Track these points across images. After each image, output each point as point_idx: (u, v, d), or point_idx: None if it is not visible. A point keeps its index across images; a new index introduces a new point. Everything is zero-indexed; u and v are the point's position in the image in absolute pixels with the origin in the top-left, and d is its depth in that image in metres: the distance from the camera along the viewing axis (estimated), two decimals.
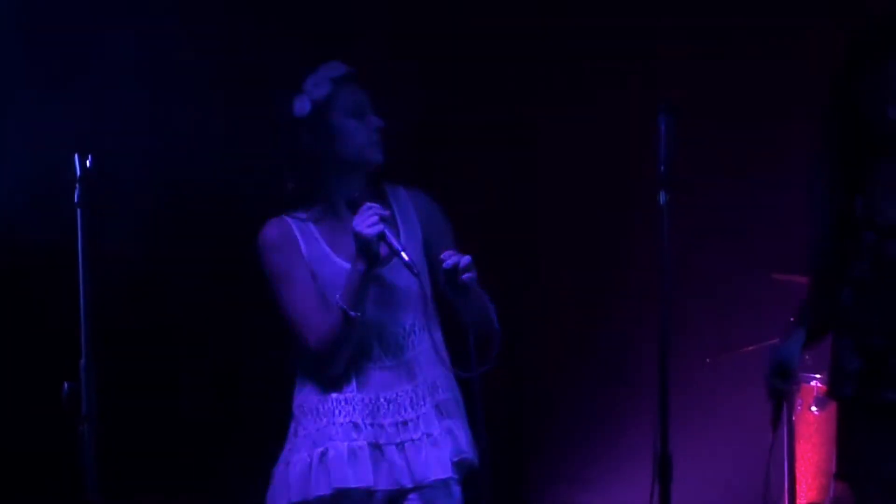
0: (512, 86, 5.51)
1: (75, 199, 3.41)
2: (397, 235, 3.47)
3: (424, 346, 3.55)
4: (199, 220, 4.97)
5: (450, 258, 3.39)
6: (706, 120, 5.30)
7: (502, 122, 5.50)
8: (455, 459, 3.55)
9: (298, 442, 3.54)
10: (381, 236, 3.38)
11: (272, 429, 4.85)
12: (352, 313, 3.40)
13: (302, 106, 3.55)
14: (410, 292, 3.51)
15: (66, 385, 3.35)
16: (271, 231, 3.54)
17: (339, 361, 3.47)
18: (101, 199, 3.42)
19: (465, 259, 3.40)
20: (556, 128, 5.57)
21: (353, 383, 3.51)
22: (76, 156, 3.41)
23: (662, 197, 3.25)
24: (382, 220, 3.39)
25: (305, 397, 3.56)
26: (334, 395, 3.51)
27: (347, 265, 3.46)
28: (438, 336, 3.58)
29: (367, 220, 3.38)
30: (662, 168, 3.26)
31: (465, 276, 3.38)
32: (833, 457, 5.03)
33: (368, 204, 3.41)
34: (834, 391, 3.50)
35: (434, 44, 5.41)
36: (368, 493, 3.49)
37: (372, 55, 4.64)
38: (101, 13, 4.86)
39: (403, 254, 3.37)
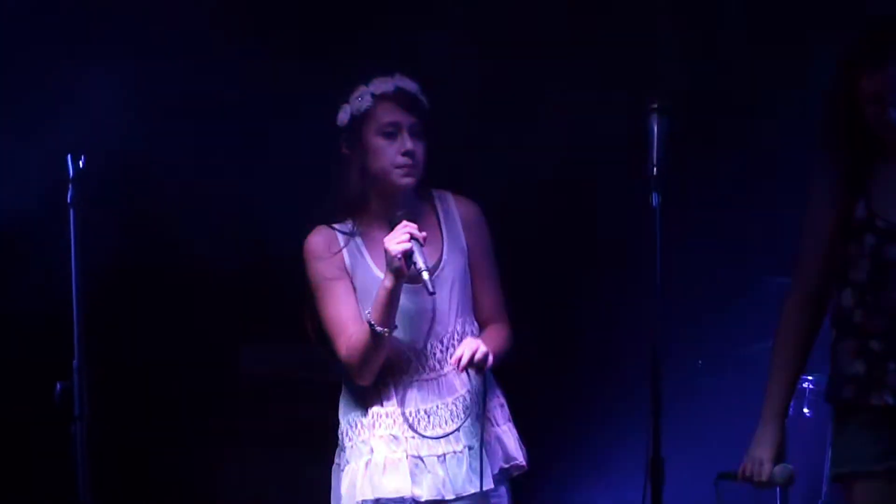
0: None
1: (68, 199, 3.43)
2: (435, 259, 3.53)
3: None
4: (196, 223, 4.93)
5: (459, 361, 3.45)
6: (698, 120, 5.33)
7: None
8: (505, 465, 3.60)
9: (348, 452, 3.59)
10: (408, 255, 3.39)
11: (267, 434, 4.87)
12: (378, 329, 3.42)
13: (343, 116, 3.61)
14: (449, 307, 3.56)
15: (58, 385, 3.37)
16: (316, 239, 3.58)
17: (367, 374, 3.51)
18: (94, 200, 3.44)
19: (480, 354, 3.46)
20: (548, 126, 5.55)
21: (393, 398, 3.55)
22: (69, 156, 3.43)
23: (655, 199, 3.24)
24: (413, 239, 3.40)
25: (350, 408, 3.61)
26: (374, 409, 3.56)
27: (376, 272, 3.51)
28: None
29: (398, 237, 3.40)
30: (655, 170, 3.24)
31: (480, 368, 3.47)
32: (826, 459, 5.06)
33: (405, 222, 3.43)
34: (832, 394, 3.47)
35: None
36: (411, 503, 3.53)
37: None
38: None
39: (425, 274, 3.39)
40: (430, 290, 3.39)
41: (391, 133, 3.54)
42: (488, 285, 3.67)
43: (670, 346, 3.35)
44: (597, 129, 5.36)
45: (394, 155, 3.53)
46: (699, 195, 5.23)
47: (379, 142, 3.54)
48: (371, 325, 3.43)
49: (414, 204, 3.59)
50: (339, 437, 3.62)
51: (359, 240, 3.57)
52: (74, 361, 3.38)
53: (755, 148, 5.40)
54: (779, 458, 3.44)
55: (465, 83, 5.32)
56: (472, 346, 3.46)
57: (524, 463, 3.62)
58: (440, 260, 3.59)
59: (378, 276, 3.50)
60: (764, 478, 3.42)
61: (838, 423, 3.48)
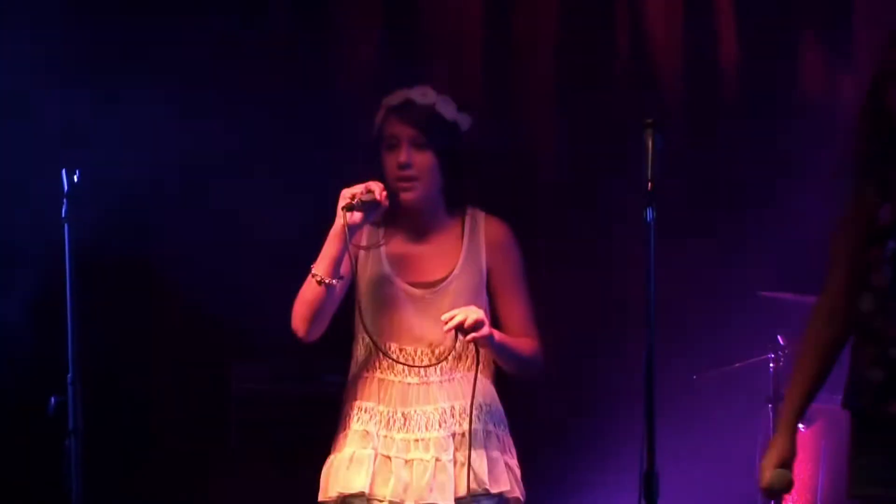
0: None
1: (62, 214, 3.43)
2: (445, 272, 3.57)
3: (458, 374, 3.59)
4: (191, 231, 4.92)
5: (451, 320, 3.43)
6: (695, 136, 5.32)
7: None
8: (479, 489, 3.54)
9: (332, 445, 3.62)
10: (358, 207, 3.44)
11: (260, 446, 4.85)
12: (315, 275, 3.46)
13: (374, 128, 3.64)
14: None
15: (52, 399, 3.36)
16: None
17: (299, 321, 3.53)
18: (89, 213, 3.44)
19: (470, 318, 3.42)
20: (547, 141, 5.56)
21: (377, 395, 3.57)
22: (63, 171, 3.43)
23: (649, 214, 3.20)
24: (365, 202, 3.43)
25: (342, 403, 3.64)
26: (357, 403, 3.58)
27: (390, 274, 3.56)
28: (489, 368, 3.63)
29: (357, 189, 3.45)
30: (650, 185, 3.21)
31: (470, 336, 3.43)
32: (819, 472, 5.05)
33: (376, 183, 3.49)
34: (849, 402, 3.44)
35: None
36: (373, 501, 3.52)
37: None
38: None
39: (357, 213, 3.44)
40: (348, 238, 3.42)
41: (393, 145, 3.56)
42: (516, 305, 3.65)
43: (665, 361, 3.31)
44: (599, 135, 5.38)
45: (393, 168, 3.55)
46: (695, 210, 5.26)
47: (384, 154, 3.58)
48: (311, 270, 3.46)
49: (437, 216, 3.61)
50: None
51: (382, 250, 3.59)
52: (69, 375, 3.37)
53: (753, 161, 5.40)
54: (786, 467, 3.45)
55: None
56: (467, 311, 3.44)
57: (494, 493, 3.56)
58: (450, 273, 3.59)
59: (384, 269, 3.55)
60: (763, 484, 3.42)
61: (858, 437, 3.46)
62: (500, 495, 3.57)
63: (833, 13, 5.46)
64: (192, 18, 4.92)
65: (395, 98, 3.61)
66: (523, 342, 3.62)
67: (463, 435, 3.54)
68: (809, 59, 5.49)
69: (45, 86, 4.64)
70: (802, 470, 5.05)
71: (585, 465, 5.27)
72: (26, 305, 4.57)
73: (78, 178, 3.40)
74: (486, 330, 3.44)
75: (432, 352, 3.56)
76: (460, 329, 3.42)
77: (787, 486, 3.45)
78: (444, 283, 3.57)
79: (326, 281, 3.46)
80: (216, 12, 5.01)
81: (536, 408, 5.41)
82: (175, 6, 4.96)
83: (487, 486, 3.54)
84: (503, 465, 3.58)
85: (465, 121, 3.65)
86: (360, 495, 3.51)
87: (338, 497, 3.54)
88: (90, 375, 3.40)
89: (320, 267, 3.47)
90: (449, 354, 3.56)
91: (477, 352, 3.52)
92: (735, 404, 5.21)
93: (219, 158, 4.77)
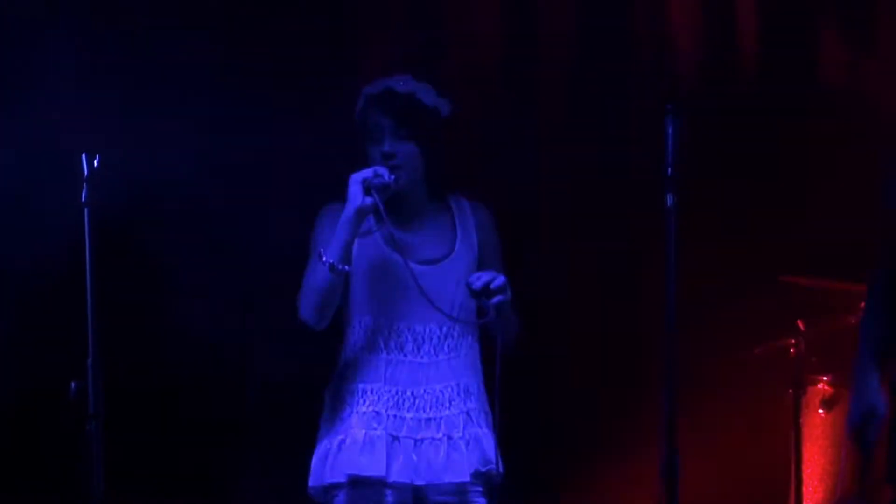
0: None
1: (82, 199, 3.41)
2: (446, 251, 3.60)
3: (462, 352, 3.60)
4: (208, 221, 4.95)
5: (478, 280, 3.47)
6: (713, 120, 5.32)
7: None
8: (482, 469, 3.56)
9: (325, 429, 3.60)
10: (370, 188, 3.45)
11: (279, 430, 4.86)
12: (326, 260, 3.45)
13: (355, 114, 3.65)
14: (453, 299, 3.57)
15: (72, 384, 3.34)
16: (334, 207, 3.59)
17: (307, 306, 3.54)
18: (107, 199, 3.41)
19: (499, 280, 3.47)
20: (559, 127, 5.56)
21: (383, 376, 3.55)
22: (83, 156, 3.41)
23: (669, 199, 3.19)
24: (376, 185, 3.45)
25: (337, 386, 3.61)
26: (362, 386, 3.56)
27: (394, 256, 3.54)
28: (477, 348, 3.65)
29: (367, 174, 3.46)
30: (670, 170, 3.20)
31: (495, 299, 3.45)
32: (841, 457, 5.03)
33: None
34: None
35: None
36: (382, 485, 3.51)
37: None
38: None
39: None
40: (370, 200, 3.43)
41: (376, 136, 3.57)
42: None
43: (685, 346, 3.29)
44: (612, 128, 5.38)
45: (376, 158, 3.55)
46: (715, 195, 5.25)
47: (367, 145, 3.59)
48: (321, 259, 3.46)
49: (422, 202, 3.62)
50: (322, 410, 3.64)
51: (379, 236, 3.59)
52: (88, 360, 3.35)
53: (774, 148, 5.41)
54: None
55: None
56: (492, 273, 3.48)
57: (500, 472, 3.58)
58: (451, 252, 3.62)
59: (384, 249, 3.56)
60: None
61: None
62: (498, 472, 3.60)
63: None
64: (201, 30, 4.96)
65: (376, 87, 3.61)
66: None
67: (468, 413, 3.57)
68: (829, 47, 5.52)
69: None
70: (823, 456, 5.06)
71: (608, 447, 5.28)
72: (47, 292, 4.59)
73: (98, 163, 3.38)
74: (509, 293, 3.47)
75: (440, 329, 3.57)
76: (484, 292, 3.44)
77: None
78: (448, 261, 3.59)
79: (339, 267, 3.45)
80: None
81: (557, 391, 5.44)
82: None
83: (494, 466, 3.56)
84: (493, 442, 3.59)
85: (444, 107, 3.65)
86: (376, 479, 3.50)
87: (348, 480, 3.51)
88: (110, 360, 3.38)
89: (333, 254, 3.46)
90: (453, 330, 3.58)
91: (499, 329, 3.50)
92: (756, 389, 5.22)
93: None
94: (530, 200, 5.47)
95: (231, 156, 4.84)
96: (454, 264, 3.59)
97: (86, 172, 3.39)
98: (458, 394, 3.57)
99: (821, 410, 5.06)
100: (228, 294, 4.96)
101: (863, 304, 4.93)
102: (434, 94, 3.62)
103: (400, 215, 3.55)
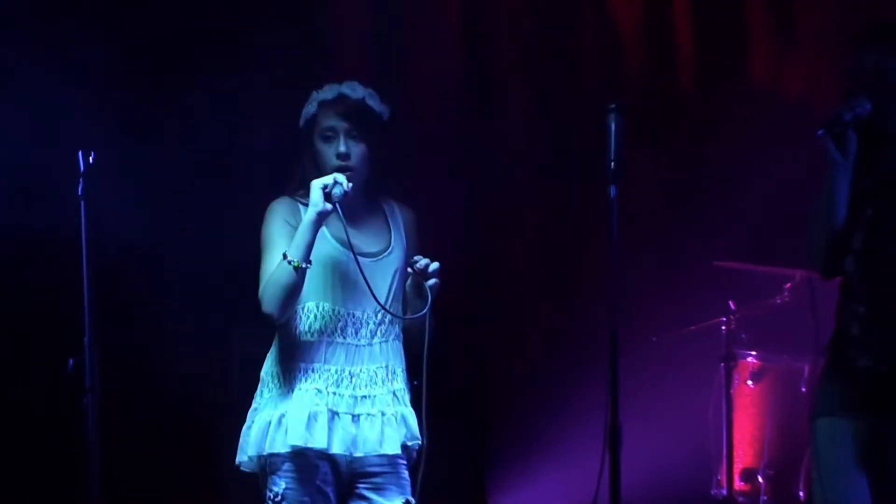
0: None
1: (79, 192, 3.42)
2: (383, 246, 3.63)
3: (391, 338, 3.65)
4: (195, 207, 4.97)
5: (420, 261, 3.53)
6: (653, 119, 5.36)
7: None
8: (409, 443, 3.63)
9: (263, 403, 3.61)
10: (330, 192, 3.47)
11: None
12: (289, 260, 3.46)
13: (301, 118, 3.68)
14: (389, 289, 3.61)
15: (70, 360, 3.38)
16: (281, 203, 3.62)
17: (269, 302, 3.50)
18: (101, 191, 3.43)
19: (435, 264, 3.53)
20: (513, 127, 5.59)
21: (323, 356, 3.58)
22: (80, 153, 3.42)
23: (612, 190, 3.25)
24: (340, 192, 3.47)
25: (275, 366, 3.63)
26: (303, 365, 3.58)
27: (342, 249, 3.56)
28: (402, 336, 3.69)
29: (327, 181, 3.48)
30: (612, 164, 3.26)
31: (432, 281, 3.52)
32: (767, 425, 5.11)
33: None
34: (831, 353, 3.50)
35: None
36: (323, 457, 3.55)
37: None
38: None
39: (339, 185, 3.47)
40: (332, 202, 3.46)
41: (329, 137, 3.60)
42: None
43: (628, 325, 3.36)
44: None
45: (331, 157, 3.59)
46: (655, 186, 5.29)
47: (319, 145, 3.62)
48: (285, 258, 3.48)
49: (362, 202, 3.65)
50: (259, 387, 3.64)
51: (327, 230, 3.60)
52: (85, 339, 3.39)
53: (709, 144, 5.44)
54: None
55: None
56: (429, 259, 3.54)
57: (422, 447, 3.61)
58: (388, 247, 3.67)
59: (333, 243, 3.58)
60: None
61: (825, 377, 3.53)
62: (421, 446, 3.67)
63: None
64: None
65: (328, 92, 3.64)
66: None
67: (394, 393, 3.62)
68: (758, 51, 5.54)
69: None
70: (752, 423, 5.11)
71: (555, 423, 5.31)
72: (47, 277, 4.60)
73: (93, 159, 3.41)
74: (438, 281, 3.55)
75: (375, 316, 3.61)
76: (424, 273, 3.51)
77: None
78: (386, 254, 3.64)
79: (303, 265, 3.48)
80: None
81: (504, 370, 5.48)
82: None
83: (418, 440, 3.63)
84: (417, 420, 3.67)
85: (387, 112, 3.71)
86: (317, 451, 3.52)
87: (291, 451, 3.51)
88: (105, 339, 3.42)
89: (296, 253, 3.47)
90: (385, 318, 3.62)
91: (429, 314, 3.54)
92: (691, 363, 5.27)
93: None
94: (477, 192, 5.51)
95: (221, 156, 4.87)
96: (390, 259, 3.65)
97: (82, 168, 3.41)
98: (388, 374, 3.62)
99: (749, 382, 5.13)
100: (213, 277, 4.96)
101: (787, 286, 5.09)
102: (379, 100, 3.67)
103: (345, 213, 3.55)
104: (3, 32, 4.66)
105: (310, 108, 3.65)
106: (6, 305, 4.75)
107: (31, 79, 4.71)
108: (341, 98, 3.62)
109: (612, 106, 3.28)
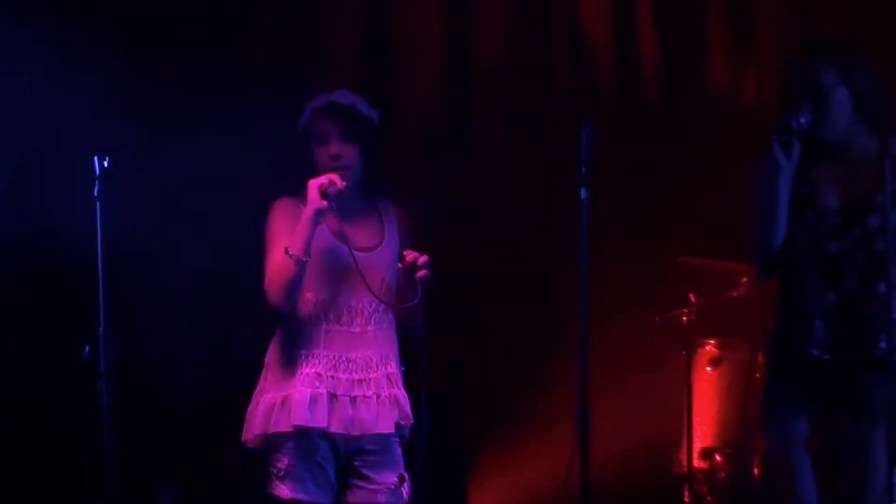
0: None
1: (95, 193, 3.53)
2: (377, 241, 3.74)
3: (385, 325, 3.79)
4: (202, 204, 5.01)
5: (409, 255, 3.69)
6: (622, 127, 5.41)
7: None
8: (402, 423, 3.78)
9: (267, 386, 3.75)
10: (326, 192, 3.61)
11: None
12: (292, 254, 3.61)
13: (299, 126, 3.85)
14: (382, 280, 3.75)
15: (86, 348, 3.49)
16: (284, 201, 3.78)
17: (276, 293, 3.64)
18: (115, 191, 3.53)
19: (424, 258, 3.69)
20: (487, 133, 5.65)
21: (322, 342, 3.72)
22: (95, 157, 3.54)
23: (583, 193, 3.39)
24: (336, 191, 3.60)
25: (278, 352, 3.77)
26: (304, 351, 3.72)
27: (339, 243, 3.67)
28: (394, 323, 3.83)
29: (323, 181, 3.62)
30: (584, 169, 3.41)
31: (420, 273, 3.65)
32: (724, 408, 5.19)
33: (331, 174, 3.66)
34: (772, 348, 3.63)
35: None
36: (323, 436, 3.68)
37: None
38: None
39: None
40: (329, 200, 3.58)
41: (323, 140, 3.76)
42: None
43: (599, 317, 3.48)
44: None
45: (325, 159, 3.75)
46: (624, 190, 5.36)
47: (315, 149, 3.78)
48: (287, 252, 3.61)
49: (356, 201, 3.79)
50: (263, 371, 3.77)
51: (325, 227, 3.74)
52: (100, 328, 3.49)
53: (672, 150, 5.53)
54: None
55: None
56: (418, 253, 3.67)
57: (413, 426, 3.77)
58: (381, 242, 3.81)
59: (330, 238, 3.69)
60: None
61: (769, 382, 3.68)
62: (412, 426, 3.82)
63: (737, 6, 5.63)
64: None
65: (320, 100, 3.80)
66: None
67: (388, 377, 3.75)
68: (716, 64, 5.63)
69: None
70: (710, 406, 5.24)
71: (528, 412, 5.39)
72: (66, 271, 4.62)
73: (108, 163, 3.53)
74: (429, 273, 3.70)
75: (370, 305, 3.74)
76: (413, 266, 3.64)
77: None
78: (380, 249, 3.78)
79: (303, 259, 3.63)
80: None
81: (478, 361, 5.51)
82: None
83: (410, 420, 3.78)
84: (408, 400, 3.81)
85: (376, 116, 3.84)
86: (318, 430, 3.65)
87: (293, 430, 3.64)
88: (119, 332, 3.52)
89: (296, 247, 3.62)
90: (378, 307, 3.74)
91: (420, 304, 3.67)
92: (655, 352, 5.38)
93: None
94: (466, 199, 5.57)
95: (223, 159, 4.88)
96: (383, 253, 3.79)
97: (97, 171, 3.52)
98: (382, 359, 3.75)
99: (708, 368, 5.26)
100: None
101: (743, 280, 5.21)
102: (368, 106, 3.83)
103: (340, 211, 3.67)
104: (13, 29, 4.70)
105: (304, 118, 3.84)
106: (22, 297, 4.78)
107: (38, 77, 4.74)
108: (332, 104, 3.79)
109: (584, 115, 3.45)
